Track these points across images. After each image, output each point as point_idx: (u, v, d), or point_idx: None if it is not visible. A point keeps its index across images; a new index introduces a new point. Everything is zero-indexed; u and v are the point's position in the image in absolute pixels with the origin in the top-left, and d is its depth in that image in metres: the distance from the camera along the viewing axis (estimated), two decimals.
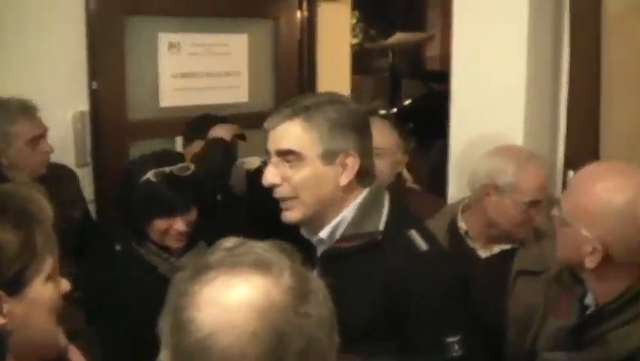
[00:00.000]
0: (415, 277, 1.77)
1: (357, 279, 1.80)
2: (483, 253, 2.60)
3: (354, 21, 4.63)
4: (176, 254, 2.50)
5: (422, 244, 1.85)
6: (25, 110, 2.97)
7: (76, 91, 3.51)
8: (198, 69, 4.01)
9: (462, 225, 2.63)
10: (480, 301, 2.03)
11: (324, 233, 1.87)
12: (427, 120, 7.25)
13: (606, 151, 2.77)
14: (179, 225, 2.42)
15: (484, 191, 2.51)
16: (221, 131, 3.17)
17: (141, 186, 2.43)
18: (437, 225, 2.53)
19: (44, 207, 1.38)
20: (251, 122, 3.85)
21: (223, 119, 3.40)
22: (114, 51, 3.71)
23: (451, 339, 1.78)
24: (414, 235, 1.87)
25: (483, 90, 2.96)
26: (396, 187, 3.11)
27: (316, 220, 1.87)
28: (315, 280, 1.12)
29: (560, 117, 3.02)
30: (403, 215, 1.94)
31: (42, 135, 2.99)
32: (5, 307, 1.25)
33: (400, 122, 3.37)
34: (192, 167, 2.52)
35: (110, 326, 2.40)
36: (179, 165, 2.49)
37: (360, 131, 1.85)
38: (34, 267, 1.29)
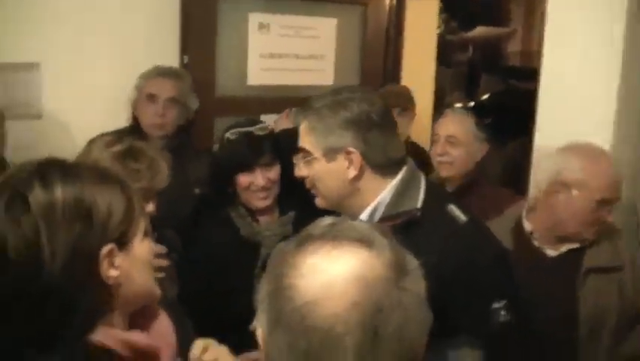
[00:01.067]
0: (458, 247, 1.84)
1: None
2: (550, 253, 2.54)
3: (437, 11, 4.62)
4: (262, 222, 2.65)
5: (462, 216, 1.93)
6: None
7: (167, 64, 3.57)
8: (286, 50, 4.06)
9: (527, 225, 2.59)
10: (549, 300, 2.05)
11: (363, 216, 1.95)
12: (503, 117, 7.15)
13: None
14: (259, 179, 2.56)
15: (553, 188, 2.47)
16: None
17: (221, 146, 2.64)
18: (500, 227, 2.49)
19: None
20: None
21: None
22: (206, 28, 3.79)
23: (497, 305, 1.83)
24: (452, 208, 1.95)
25: (572, 88, 2.95)
26: (475, 177, 3.17)
27: (344, 207, 1.99)
28: (411, 259, 1.15)
29: None
30: (440, 192, 2.09)
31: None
32: (116, 261, 1.34)
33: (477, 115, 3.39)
34: (270, 128, 2.65)
35: (189, 281, 2.54)
36: (258, 125, 2.62)
37: (364, 127, 1.94)
38: (135, 226, 1.39)
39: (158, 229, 1.87)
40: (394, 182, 1.96)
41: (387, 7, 4.40)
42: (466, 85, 10.25)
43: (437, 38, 4.86)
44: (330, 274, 1.05)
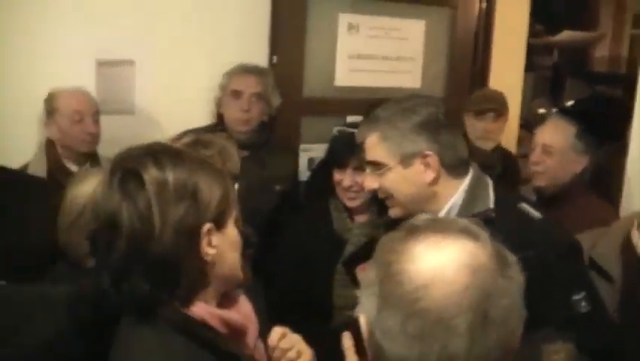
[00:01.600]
0: (535, 243, 1.84)
1: None
2: None
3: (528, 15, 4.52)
4: (356, 221, 2.72)
5: (535, 213, 1.98)
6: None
7: (258, 64, 3.62)
8: (374, 51, 4.06)
9: (638, 242, 2.43)
10: None
11: None
12: (589, 124, 6.97)
13: None
14: (347, 179, 2.65)
15: None
16: None
17: (330, 139, 2.78)
18: (607, 243, 2.44)
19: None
20: None
21: None
22: (295, 28, 3.83)
23: (576, 297, 1.88)
24: (525, 206, 2.00)
25: None
26: (570, 188, 3.08)
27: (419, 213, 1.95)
28: (510, 253, 1.19)
29: None
30: (509, 192, 2.13)
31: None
32: (213, 240, 1.42)
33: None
34: None
35: (277, 268, 2.62)
36: None
37: (435, 129, 1.97)
38: (229, 211, 1.48)
39: None
40: (465, 184, 2.00)
41: (477, 11, 4.36)
42: (551, 90, 10.03)
43: None
44: (440, 260, 1.11)
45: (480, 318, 1.07)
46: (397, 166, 1.98)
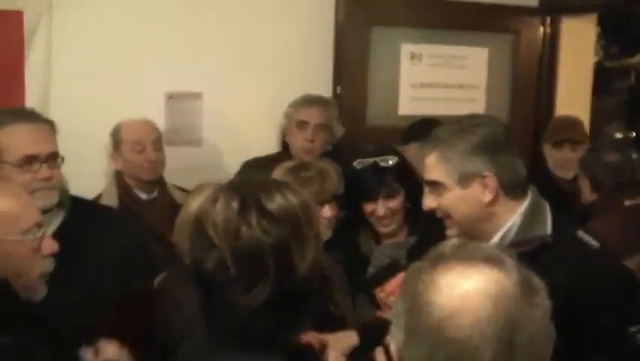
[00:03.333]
0: (593, 273, 1.86)
1: None
2: None
3: (594, 38, 4.46)
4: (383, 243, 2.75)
5: (593, 242, 1.95)
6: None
7: (322, 94, 3.71)
8: (437, 80, 4.11)
9: None
10: None
11: (495, 240, 1.95)
12: None
13: None
14: (380, 209, 2.66)
15: None
16: None
17: (347, 173, 2.75)
18: None
19: None
20: None
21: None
22: (358, 59, 3.92)
23: (634, 328, 1.83)
24: (582, 234, 1.98)
25: None
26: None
27: (475, 233, 1.97)
28: (537, 278, 1.19)
29: None
30: (566, 218, 2.08)
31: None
32: None
33: None
34: (395, 159, 2.72)
35: None
36: (385, 156, 2.71)
37: (494, 150, 1.96)
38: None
39: None
40: (524, 206, 1.98)
41: (541, 35, 4.34)
42: (628, 114, 9.78)
43: (595, 65, 4.70)
44: (466, 289, 1.13)
45: (505, 347, 1.10)
46: (456, 187, 1.97)
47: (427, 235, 2.18)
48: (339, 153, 3.64)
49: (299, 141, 3.47)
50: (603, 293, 1.84)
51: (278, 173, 2.52)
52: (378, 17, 3.95)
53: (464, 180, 1.96)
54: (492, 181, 1.95)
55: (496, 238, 1.96)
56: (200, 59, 3.60)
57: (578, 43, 4.44)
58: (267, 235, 1.34)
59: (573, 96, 4.36)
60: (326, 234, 2.30)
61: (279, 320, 1.38)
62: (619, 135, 7.73)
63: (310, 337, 1.84)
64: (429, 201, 2.04)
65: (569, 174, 3.83)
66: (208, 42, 3.61)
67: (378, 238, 2.77)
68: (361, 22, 3.90)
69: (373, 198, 2.67)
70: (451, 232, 2.04)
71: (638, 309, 1.92)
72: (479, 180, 1.95)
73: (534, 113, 4.31)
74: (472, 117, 2.11)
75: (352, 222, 2.80)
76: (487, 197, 1.95)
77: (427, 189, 2.05)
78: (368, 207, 2.69)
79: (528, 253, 1.86)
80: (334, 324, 2.01)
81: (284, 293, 1.35)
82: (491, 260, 1.17)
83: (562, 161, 3.87)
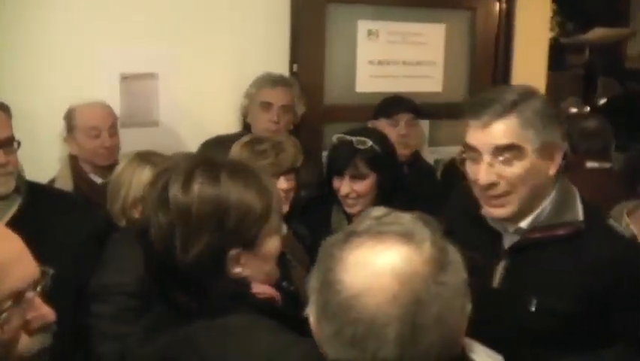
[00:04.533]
0: (624, 262, 1.81)
1: (559, 268, 1.84)
2: None
3: (550, 14, 4.48)
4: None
5: (623, 231, 1.91)
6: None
7: (277, 72, 3.67)
8: (394, 57, 4.09)
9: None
10: None
11: (524, 223, 1.90)
12: (622, 122, 6.91)
13: None
14: (345, 187, 2.68)
15: None
16: None
17: (329, 148, 2.83)
18: None
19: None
20: (444, 112, 3.90)
21: (410, 103, 3.62)
22: (315, 36, 3.87)
23: None
24: (613, 223, 1.93)
25: None
26: None
27: (521, 212, 1.89)
28: (454, 252, 1.19)
29: None
30: (594, 204, 1.97)
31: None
32: (242, 259, 1.50)
33: None
34: (370, 142, 2.71)
35: None
36: (363, 138, 2.70)
37: (560, 122, 1.89)
38: (267, 227, 1.54)
39: None
40: (555, 189, 1.90)
41: (497, 12, 4.34)
42: (583, 89, 9.92)
43: (551, 42, 4.73)
44: (373, 268, 1.14)
45: (408, 327, 1.10)
46: (533, 154, 1.81)
47: None
48: (299, 132, 3.64)
49: (263, 123, 3.44)
50: (633, 284, 1.81)
51: (235, 149, 2.54)
52: None
53: (543, 148, 1.82)
54: (560, 153, 1.86)
55: (525, 222, 1.89)
56: (154, 39, 3.53)
57: (534, 20, 4.46)
58: (156, 217, 1.47)
59: (529, 72, 4.37)
60: (284, 207, 2.28)
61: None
62: (574, 110, 7.84)
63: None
64: (489, 175, 1.83)
65: None
66: (162, 22, 3.53)
67: (349, 217, 2.77)
68: None
69: (339, 174, 2.70)
70: (502, 212, 1.88)
71: None
72: (554, 150, 1.85)
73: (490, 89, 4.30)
74: (525, 87, 1.93)
75: (327, 198, 2.84)
76: (553, 169, 1.86)
77: (490, 159, 1.83)
78: (335, 183, 2.72)
79: (559, 238, 1.86)
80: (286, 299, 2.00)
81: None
82: (404, 235, 1.16)
83: None
